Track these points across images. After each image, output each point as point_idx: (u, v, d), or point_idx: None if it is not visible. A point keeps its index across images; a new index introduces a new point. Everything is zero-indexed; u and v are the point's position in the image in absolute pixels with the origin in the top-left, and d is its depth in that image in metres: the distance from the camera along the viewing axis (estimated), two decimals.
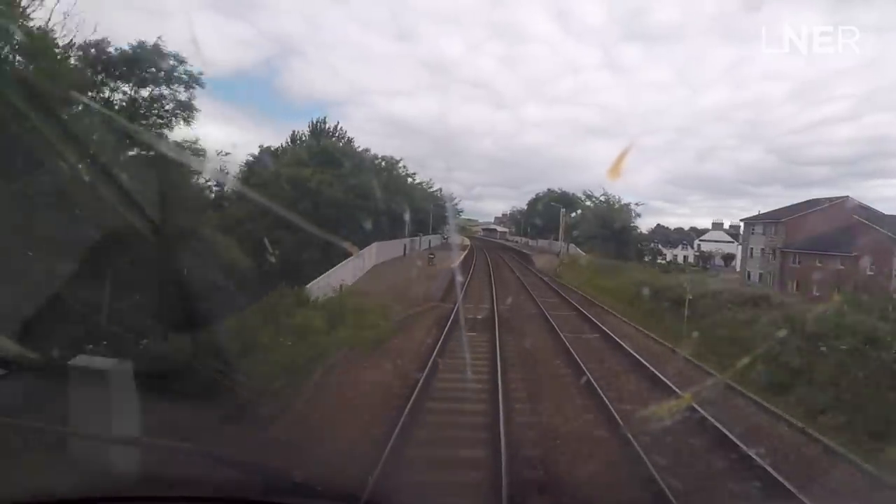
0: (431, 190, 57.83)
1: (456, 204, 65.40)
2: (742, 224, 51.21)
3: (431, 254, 28.70)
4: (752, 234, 49.54)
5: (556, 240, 55.17)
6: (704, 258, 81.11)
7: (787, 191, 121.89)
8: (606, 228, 52.96)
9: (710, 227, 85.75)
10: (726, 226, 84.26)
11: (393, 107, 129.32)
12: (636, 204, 57.13)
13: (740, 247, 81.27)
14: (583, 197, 62.68)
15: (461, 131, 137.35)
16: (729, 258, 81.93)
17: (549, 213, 65.06)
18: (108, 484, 2.05)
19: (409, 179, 49.45)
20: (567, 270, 34.83)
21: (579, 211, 62.18)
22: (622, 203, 57.75)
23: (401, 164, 43.99)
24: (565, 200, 61.43)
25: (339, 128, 39.34)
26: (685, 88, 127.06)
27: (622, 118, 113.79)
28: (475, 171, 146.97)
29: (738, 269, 76.16)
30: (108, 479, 2.21)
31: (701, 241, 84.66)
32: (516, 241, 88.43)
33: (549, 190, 76.35)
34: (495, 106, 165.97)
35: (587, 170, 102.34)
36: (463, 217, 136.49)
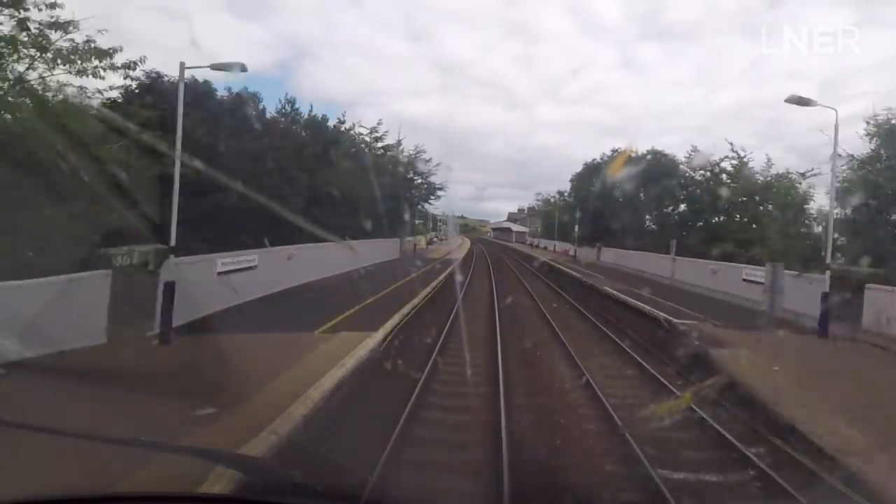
0: (380, 144, 33.51)
1: (427, 176, 39.38)
2: None
3: None
4: None
5: (658, 251, 28.10)
6: None
7: None
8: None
9: None
10: None
11: (404, 107, 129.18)
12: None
13: None
14: (683, 160, 33.68)
15: (473, 132, 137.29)
16: None
17: (605, 197, 37.26)
18: (108, 483, 2.05)
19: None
20: None
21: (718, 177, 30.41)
22: None
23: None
24: (660, 168, 34.59)
25: None
26: (702, 87, 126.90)
27: (637, 118, 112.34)
28: (486, 172, 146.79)
29: None
30: (109, 478, 2.22)
31: None
32: (545, 247, 57.69)
33: (613, 153, 42.58)
34: (508, 106, 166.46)
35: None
36: (472, 217, 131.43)
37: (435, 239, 63.53)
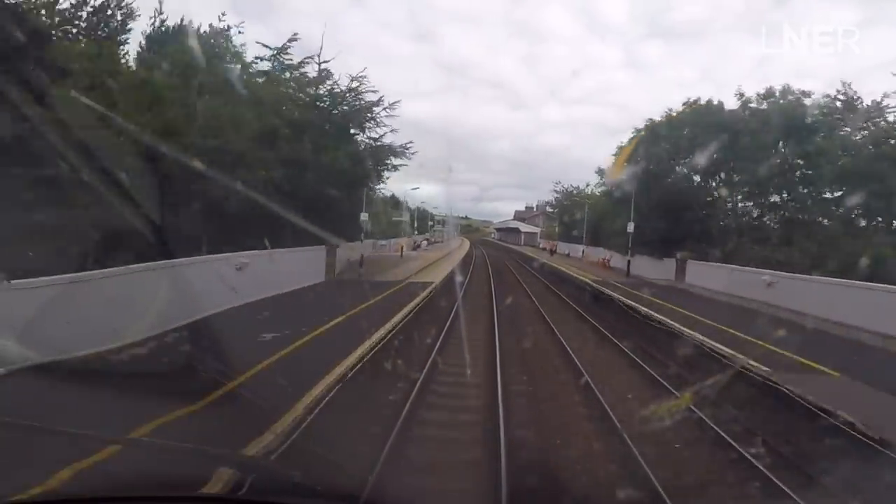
0: (289, 76, 20.34)
1: (367, 122, 22.47)
2: None
3: None
4: None
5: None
6: None
7: None
8: None
9: None
10: None
11: (408, 108, 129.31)
12: None
13: None
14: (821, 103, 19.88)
15: (477, 132, 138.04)
16: None
17: (684, 178, 24.09)
18: (108, 484, 2.04)
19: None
20: None
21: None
22: None
23: None
24: (796, 123, 19.94)
25: None
26: (709, 86, 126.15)
27: (642, 118, 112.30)
28: (490, 173, 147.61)
29: None
30: (108, 479, 2.21)
31: None
32: (567, 254, 40.79)
33: (690, 102, 25.38)
34: (512, 107, 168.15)
35: None
36: (475, 218, 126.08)
37: (424, 241, 52.67)
